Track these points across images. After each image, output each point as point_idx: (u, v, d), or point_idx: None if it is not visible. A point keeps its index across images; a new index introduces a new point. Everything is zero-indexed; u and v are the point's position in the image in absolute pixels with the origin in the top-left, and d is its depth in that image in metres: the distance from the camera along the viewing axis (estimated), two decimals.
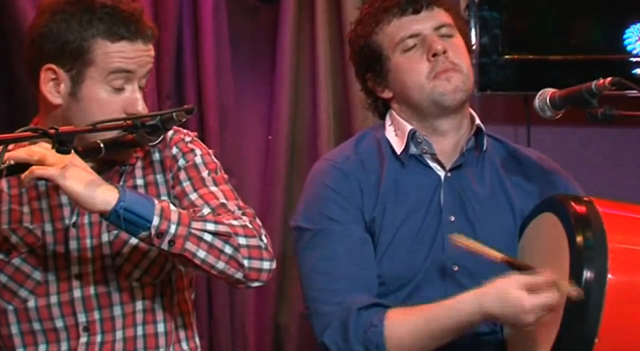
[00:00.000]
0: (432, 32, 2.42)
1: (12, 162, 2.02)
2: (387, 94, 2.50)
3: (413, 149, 2.45)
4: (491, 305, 2.18)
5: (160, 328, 2.32)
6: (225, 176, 2.35)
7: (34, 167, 2.03)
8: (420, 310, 2.27)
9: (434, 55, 2.39)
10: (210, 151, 2.39)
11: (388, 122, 2.51)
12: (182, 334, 2.38)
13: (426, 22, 2.43)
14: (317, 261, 2.38)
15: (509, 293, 2.15)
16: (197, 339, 2.43)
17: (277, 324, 3.76)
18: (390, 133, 2.49)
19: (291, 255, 3.71)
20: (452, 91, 2.39)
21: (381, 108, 2.56)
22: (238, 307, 3.69)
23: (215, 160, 2.37)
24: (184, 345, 2.38)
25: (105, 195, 2.06)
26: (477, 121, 2.48)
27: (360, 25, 2.50)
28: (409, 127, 2.44)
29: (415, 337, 2.26)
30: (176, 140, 2.34)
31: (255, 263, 2.19)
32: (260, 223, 2.26)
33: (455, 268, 2.36)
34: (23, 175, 2.03)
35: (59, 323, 2.28)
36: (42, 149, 2.05)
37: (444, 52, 2.39)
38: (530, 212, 2.39)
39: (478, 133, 2.47)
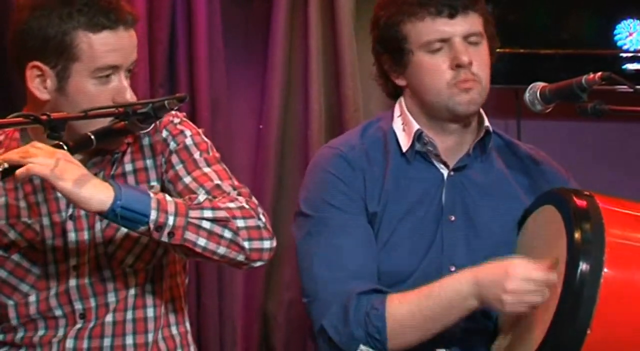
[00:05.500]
0: (461, 39, 2.36)
1: (6, 165, 1.99)
2: (401, 82, 2.45)
3: (418, 147, 2.41)
4: (482, 275, 2.19)
5: (150, 312, 2.32)
6: (217, 155, 2.34)
7: (30, 165, 1.99)
8: (419, 289, 2.27)
9: (458, 65, 2.35)
10: (200, 130, 2.36)
11: (397, 112, 2.47)
12: (172, 318, 2.37)
13: (458, 27, 2.37)
14: (319, 249, 2.35)
15: (500, 263, 2.18)
16: (187, 324, 2.43)
17: (265, 312, 3.77)
18: (398, 126, 2.45)
19: (279, 243, 3.70)
20: (467, 103, 2.37)
21: (391, 89, 2.50)
22: (226, 295, 3.70)
23: (206, 139, 2.34)
24: (174, 330, 2.37)
25: (101, 195, 2.05)
26: (486, 123, 2.45)
27: (391, 6, 2.42)
28: (416, 126, 2.41)
29: (414, 317, 2.25)
30: (165, 123, 2.31)
31: (256, 244, 2.19)
32: (256, 202, 2.24)
33: (452, 269, 2.33)
34: (18, 172, 2.00)
35: (58, 312, 2.28)
36: (34, 150, 2.03)
37: (469, 63, 2.35)
38: (531, 204, 2.38)
39: (485, 135, 2.44)
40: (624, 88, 2.27)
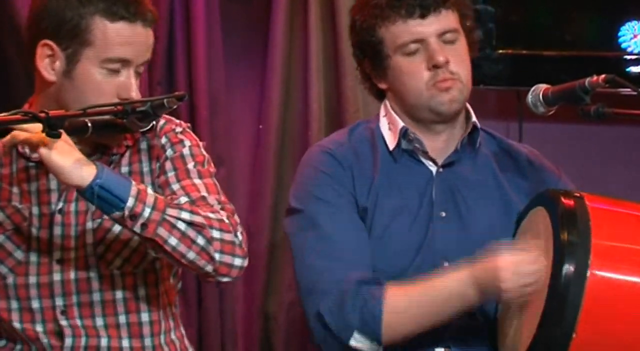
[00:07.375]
0: (436, 39, 2.37)
1: None
2: (383, 85, 2.48)
3: (405, 145, 2.44)
4: (478, 268, 2.20)
5: (145, 317, 2.32)
6: (212, 170, 2.34)
7: (15, 132, 2.01)
8: (419, 280, 2.27)
9: (435, 66, 2.36)
10: (201, 143, 2.37)
11: (382, 112, 2.50)
12: (171, 323, 2.38)
13: (431, 26, 2.37)
14: (312, 241, 2.36)
15: (493, 254, 2.19)
16: (182, 328, 2.44)
17: (266, 313, 3.77)
18: (384, 125, 2.48)
19: (280, 244, 3.72)
20: (449, 102, 2.38)
21: (376, 92, 2.53)
22: (227, 296, 3.69)
23: (205, 152, 2.35)
24: (172, 335, 2.39)
25: (83, 171, 2.05)
26: (474, 118, 2.46)
27: (365, 9, 2.43)
28: (401, 124, 2.43)
29: (411, 309, 2.26)
30: (166, 130, 2.32)
31: (227, 258, 2.18)
32: (238, 220, 2.24)
33: (446, 265, 2.34)
34: (5, 139, 2.02)
35: (35, 304, 2.28)
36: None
37: (446, 62, 2.36)
38: (525, 206, 2.39)
39: (473, 130, 2.46)
40: (627, 91, 2.26)
